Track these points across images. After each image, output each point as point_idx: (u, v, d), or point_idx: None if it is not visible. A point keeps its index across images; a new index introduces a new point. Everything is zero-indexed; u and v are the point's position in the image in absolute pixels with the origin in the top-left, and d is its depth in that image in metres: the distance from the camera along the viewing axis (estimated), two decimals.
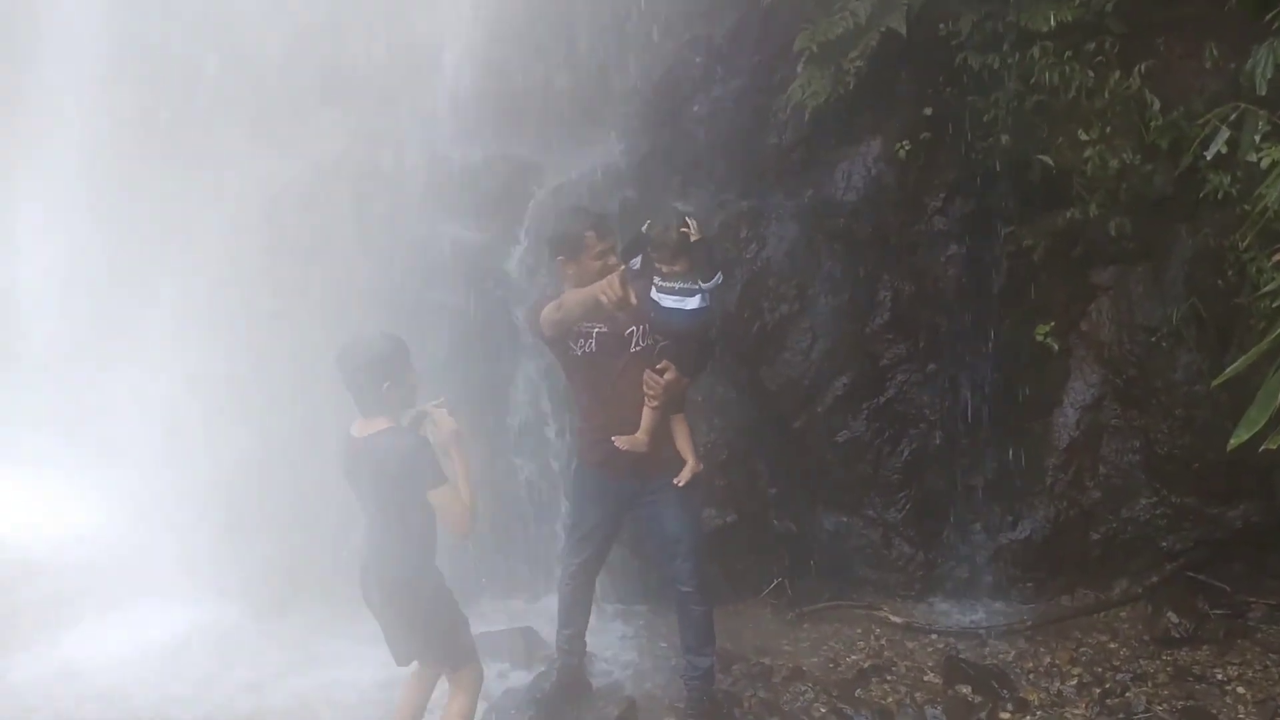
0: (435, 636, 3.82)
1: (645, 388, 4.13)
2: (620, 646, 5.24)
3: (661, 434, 4.25)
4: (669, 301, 4.04)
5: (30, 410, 7.10)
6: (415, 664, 3.99)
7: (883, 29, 5.68)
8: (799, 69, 5.86)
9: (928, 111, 5.79)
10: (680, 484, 4.25)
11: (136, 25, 6.75)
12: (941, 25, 5.69)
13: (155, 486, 6.36)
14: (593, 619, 5.09)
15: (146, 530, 6.36)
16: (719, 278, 4.07)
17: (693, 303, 4.02)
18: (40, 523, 6.54)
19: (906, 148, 5.79)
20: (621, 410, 4.20)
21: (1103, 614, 5.34)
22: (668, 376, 4.10)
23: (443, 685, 4.01)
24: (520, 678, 4.89)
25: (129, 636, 5.32)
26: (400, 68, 6.16)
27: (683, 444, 4.30)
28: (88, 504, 6.73)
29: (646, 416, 4.18)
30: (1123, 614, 5.35)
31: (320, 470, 4.94)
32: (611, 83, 6.26)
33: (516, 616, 5.47)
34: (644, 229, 4.07)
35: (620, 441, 4.20)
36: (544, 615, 5.23)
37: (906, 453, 5.73)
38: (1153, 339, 5.45)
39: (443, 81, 6.10)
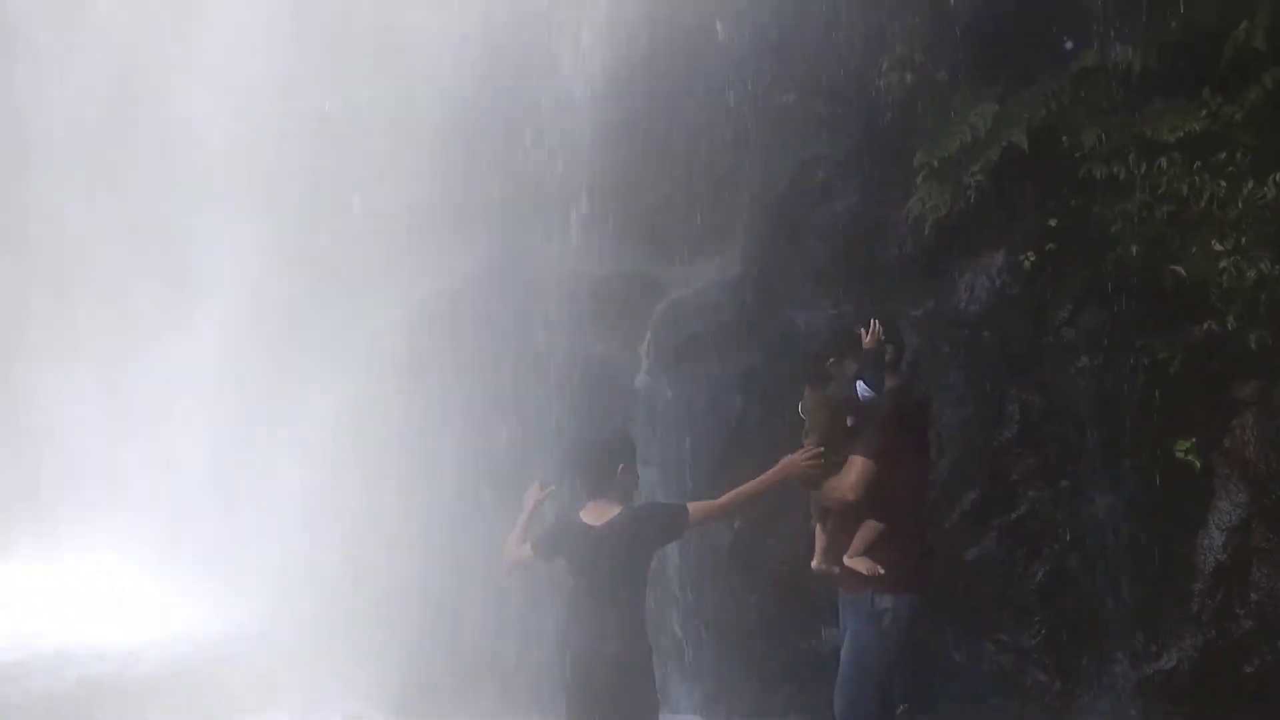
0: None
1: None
2: None
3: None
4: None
5: (186, 512, 7.60)
6: None
7: (1003, 143, 5.68)
8: (918, 183, 5.90)
9: (1052, 222, 5.72)
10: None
11: (292, 160, 7.36)
12: (1064, 138, 5.64)
13: (297, 589, 6.69)
14: None
15: (290, 630, 6.68)
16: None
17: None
18: (194, 628, 6.92)
19: (1031, 258, 5.72)
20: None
21: None
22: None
23: None
24: None
25: None
26: (529, 192, 6.49)
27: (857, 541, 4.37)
28: (245, 605, 7.11)
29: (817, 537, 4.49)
30: None
31: (460, 570, 5.16)
32: (733, 197, 6.40)
33: None
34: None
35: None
36: None
37: (1041, 574, 5.50)
38: None
39: (568, 203, 6.38)
